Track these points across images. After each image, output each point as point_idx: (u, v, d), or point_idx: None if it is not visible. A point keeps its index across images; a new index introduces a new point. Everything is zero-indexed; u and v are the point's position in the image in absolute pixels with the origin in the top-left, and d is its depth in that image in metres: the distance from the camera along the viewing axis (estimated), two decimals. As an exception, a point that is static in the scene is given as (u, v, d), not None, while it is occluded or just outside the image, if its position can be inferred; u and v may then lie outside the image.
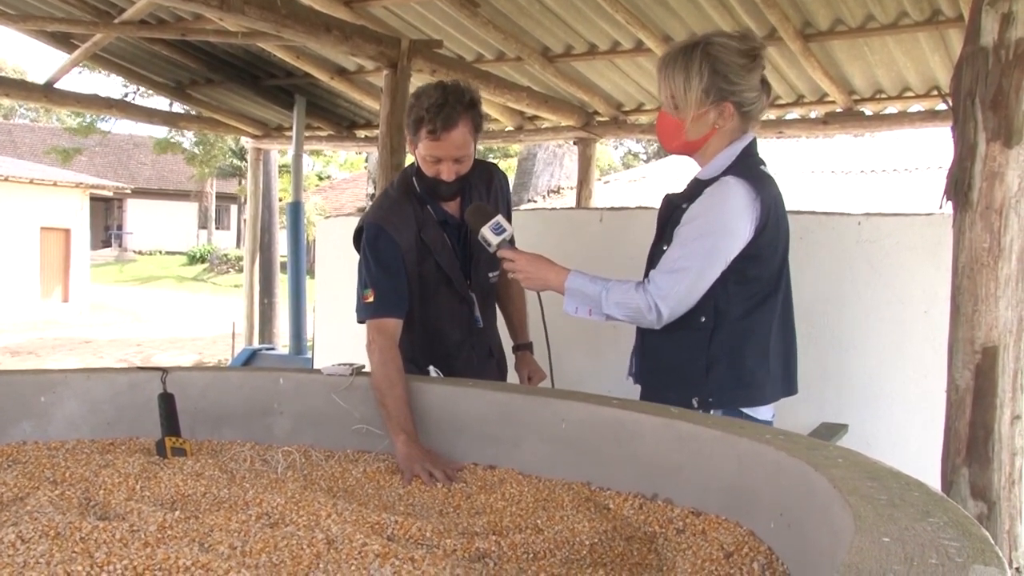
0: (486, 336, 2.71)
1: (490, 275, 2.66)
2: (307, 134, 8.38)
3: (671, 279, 2.12)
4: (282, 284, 11.38)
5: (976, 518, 1.84)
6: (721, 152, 2.18)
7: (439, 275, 2.54)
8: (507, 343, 2.88)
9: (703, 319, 2.15)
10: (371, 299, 2.41)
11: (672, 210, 2.25)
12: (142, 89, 12.54)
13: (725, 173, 2.14)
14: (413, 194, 2.54)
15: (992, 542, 1.03)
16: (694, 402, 2.15)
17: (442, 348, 2.64)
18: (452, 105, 2.36)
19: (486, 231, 2.30)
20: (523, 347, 2.87)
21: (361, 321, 2.44)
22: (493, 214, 2.33)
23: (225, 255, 31.40)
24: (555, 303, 2.33)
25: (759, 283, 2.16)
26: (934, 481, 2.16)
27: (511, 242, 2.34)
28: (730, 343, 2.15)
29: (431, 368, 2.61)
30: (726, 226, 2.10)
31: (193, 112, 8.55)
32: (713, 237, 2.10)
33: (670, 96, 2.18)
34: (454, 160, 2.43)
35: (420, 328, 2.58)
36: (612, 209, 3.73)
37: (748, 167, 2.15)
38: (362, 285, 2.47)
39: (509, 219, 2.46)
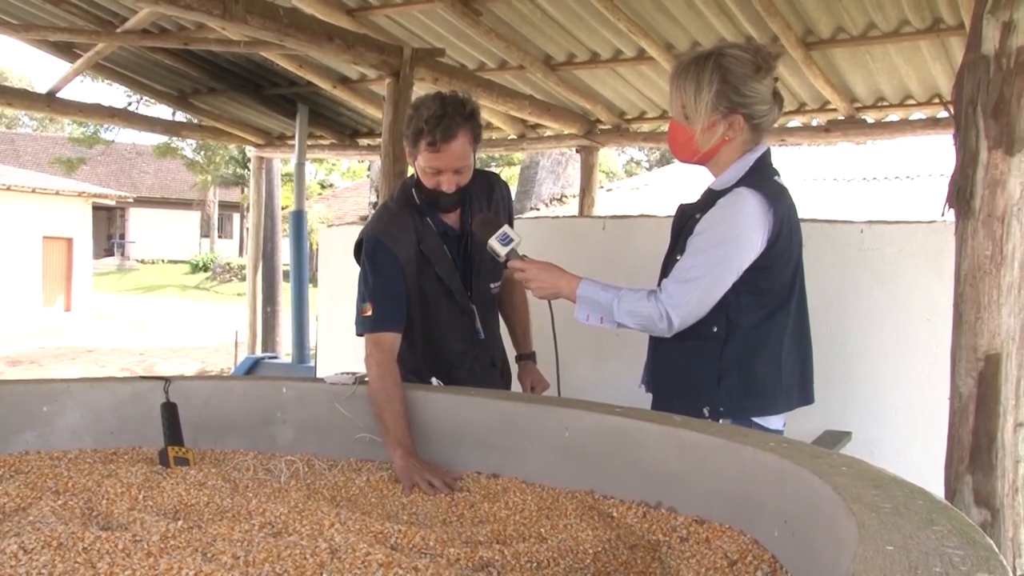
0: (489, 347, 2.70)
1: (492, 286, 2.66)
2: (309, 142, 8.40)
3: (683, 288, 2.12)
4: (285, 292, 11.39)
5: (980, 526, 1.84)
6: (734, 163, 2.18)
7: (439, 287, 2.53)
8: (511, 353, 2.87)
9: (715, 329, 2.15)
10: (369, 313, 2.40)
11: (685, 220, 2.25)
12: (145, 98, 12.58)
13: (738, 184, 2.14)
14: (413, 206, 2.53)
15: (996, 550, 1.03)
16: (705, 411, 2.15)
17: (444, 359, 2.63)
18: (451, 116, 2.35)
19: (494, 242, 2.29)
20: (526, 357, 2.86)
21: (360, 335, 2.43)
22: (500, 224, 2.32)
23: (228, 264, 31.41)
24: (561, 312, 2.33)
25: (771, 294, 2.16)
26: (938, 489, 2.16)
27: (519, 251, 2.33)
28: (741, 353, 2.15)
29: (433, 379, 2.60)
30: (738, 237, 2.10)
31: (196, 121, 8.58)
32: (725, 247, 2.10)
33: (681, 106, 2.19)
34: (454, 171, 2.42)
35: (422, 340, 2.57)
36: (615, 217, 3.73)
37: (762, 178, 2.15)
38: (361, 298, 2.46)
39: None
